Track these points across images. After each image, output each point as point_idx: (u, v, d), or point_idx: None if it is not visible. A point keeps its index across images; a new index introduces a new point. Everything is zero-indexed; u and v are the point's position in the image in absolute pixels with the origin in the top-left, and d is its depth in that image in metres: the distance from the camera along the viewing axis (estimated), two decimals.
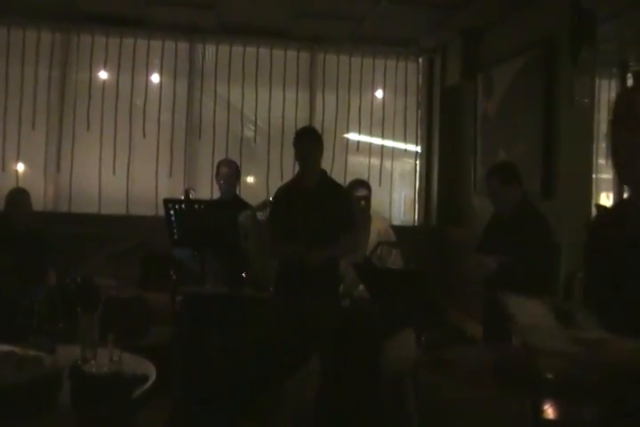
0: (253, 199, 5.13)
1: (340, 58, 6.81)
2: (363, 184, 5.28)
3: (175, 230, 4.15)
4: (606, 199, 5.27)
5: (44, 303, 3.02)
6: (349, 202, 4.54)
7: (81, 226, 5.90)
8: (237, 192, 5.33)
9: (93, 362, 2.33)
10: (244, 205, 4.90)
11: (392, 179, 6.96)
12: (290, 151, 5.68)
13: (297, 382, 3.82)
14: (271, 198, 4.66)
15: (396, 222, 6.55)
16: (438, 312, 3.45)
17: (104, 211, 6.38)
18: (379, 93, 6.95)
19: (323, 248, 4.17)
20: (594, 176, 4.83)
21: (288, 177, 5.54)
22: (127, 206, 6.43)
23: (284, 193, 4.48)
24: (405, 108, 6.92)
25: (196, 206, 4.23)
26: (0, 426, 1.95)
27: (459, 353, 1.95)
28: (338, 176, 5.66)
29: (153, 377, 2.34)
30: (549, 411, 1.61)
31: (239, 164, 5.63)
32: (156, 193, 6.35)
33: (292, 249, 4.18)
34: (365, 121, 6.85)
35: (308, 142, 4.31)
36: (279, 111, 6.69)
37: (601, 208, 2.01)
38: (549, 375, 1.68)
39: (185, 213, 4.13)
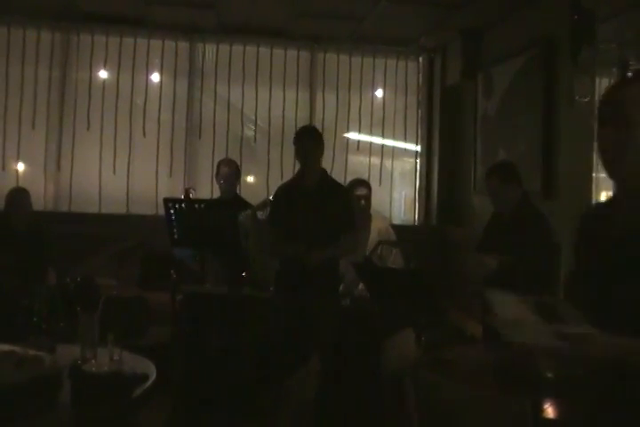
0: (254, 199, 5.14)
1: (340, 57, 6.81)
2: (363, 183, 5.28)
3: (175, 230, 4.15)
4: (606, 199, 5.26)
5: (43, 303, 3.02)
6: (350, 201, 4.55)
7: (81, 225, 5.89)
8: (237, 192, 5.33)
9: (93, 361, 2.33)
10: (244, 204, 4.90)
11: (392, 178, 6.96)
12: (290, 151, 5.68)
13: (297, 382, 3.82)
14: (271, 198, 4.67)
15: (396, 222, 6.56)
16: (438, 312, 3.44)
17: (104, 210, 6.38)
18: (379, 93, 6.95)
19: (323, 248, 4.17)
20: (594, 176, 4.82)
21: (288, 176, 5.54)
22: (127, 206, 6.43)
23: (284, 192, 4.48)
24: (405, 107, 6.92)
25: (197, 206, 4.23)
26: (0, 426, 1.95)
27: (459, 353, 1.95)
28: (338, 175, 5.66)
29: (153, 377, 2.34)
30: (549, 410, 1.61)
31: (239, 163, 5.64)
32: (157, 192, 6.35)
33: (292, 249, 4.18)
34: (365, 120, 6.85)
35: (309, 141, 4.31)
36: (279, 111, 6.69)
37: (591, 205, 2.02)
38: (548, 374, 1.68)
39: (185, 213, 4.13)
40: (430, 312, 3.40)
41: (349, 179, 5.69)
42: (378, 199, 6.22)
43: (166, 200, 4.23)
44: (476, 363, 1.85)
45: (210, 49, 6.64)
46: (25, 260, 4.78)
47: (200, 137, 6.59)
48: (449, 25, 5.96)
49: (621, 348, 1.60)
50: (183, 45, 6.58)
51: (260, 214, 4.67)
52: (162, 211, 4.26)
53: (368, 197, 5.17)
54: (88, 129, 6.39)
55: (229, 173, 5.14)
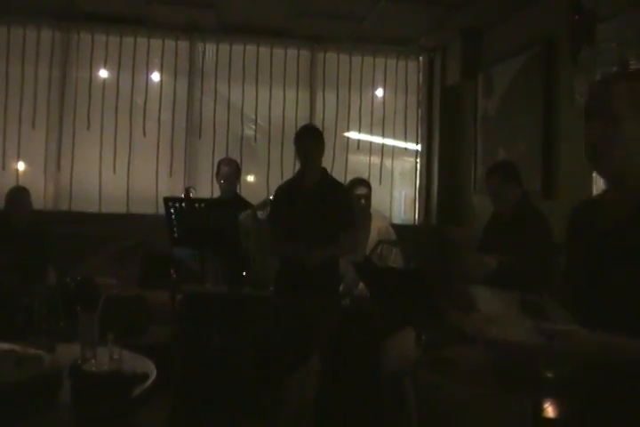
0: (254, 198, 5.14)
1: (341, 57, 6.81)
2: (363, 183, 5.28)
3: (175, 229, 4.15)
4: None
5: (43, 302, 3.01)
6: (350, 200, 4.54)
7: (81, 225, 5.89)
8: (238, 191, 5.34)
9: (93, 361, 2.33)
10: (244, 203, 4.90)
11: (392, 178, 6.97)
12: (290, 150, 5.69)
13: (297, 382, 3.82)
14: (271, 197, 4.67)
15: (396, 221, 6.56)
16: (438, 312, 3.44)
17: (104, 209, 6.38)
18: (379, 92, 6.95)
19: (323, 247, 4.17)
20: (594, 176, 4.82)
21: (288, 176, 5.54)
22: (127, 205, 6.43)
23: (284, 192, 4.48)
24: (406, 106, 6.92)
25: (197, 205, 4.23)
26: (0, 425, 1.95)
27: (459, 353, 1.95)
28: (338, 175, 5.66)
29: (153, 376, 2.34)
30: (549, 409, 1.62)
31: (239, 163, 5.64)
32: (157, 192, 6.35)
33: (292, 248, 4.18)
34: (366, 120, 6.85)
35: (310, 140, 4.30)
36: (279, 110, 6.69)
37: (581, 201, 2.01)
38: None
39: (185, 212, 4.13)
40: (430, 312, 3.39)
41: (349, 178, 5.69)
42: (378, 199, 6.22)
43: (166, 200, 4.23)
44: (475, 363, 1.85)
45: (210, 48, 6.64)
46: (25, 259, 4.78)
47: (200, 136, 6.59)
48: (449, 25, 5.96)
49: (606, 345, 1.60)
50: (183, 45, 6.58)
51: (261, 214, 4.67)
52: (162, 210, 4.26)
53: (368, 197, 5.17)
54: (88, 128, 6.39)
55: (229, 172, 5.14)
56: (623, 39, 4.15)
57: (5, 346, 2.21)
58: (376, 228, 5.13)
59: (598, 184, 4.90)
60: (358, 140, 6.88)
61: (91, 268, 4.84)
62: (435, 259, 6.09)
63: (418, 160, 6.98)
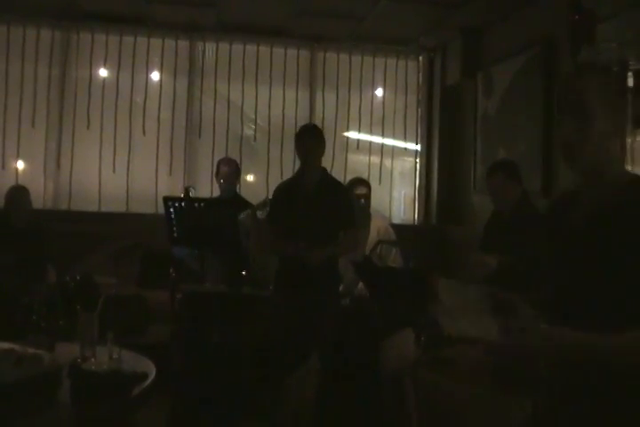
0: (253, 198, 5.14)
1: (340, 56, 6.80)
2: (362, 182, 5.28)
3: (175, 228, 4.15)
4: None
5: (43, 301, 3.01)
6: (350, 200, 4.54)
7: (81, 224, 5.89)
8: (237, 191, 5.33)
9: (93, 360, 2.33)
10: (244, 203, 4.90)
11: (392, 177, 6.96)
12: (290, 149, 5.69)
13: (297, 381, 3.82)
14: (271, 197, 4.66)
15: (395, 221, 6.56)
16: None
17: (104, 209, 6.38)
18: (379, 92, 6.94)
19: (323, 246, 4.16)
20: None
21: (288, 175, 5.53)
22: (127, 204, 6.42)
23: (284, 191, 4.47)
24: (405, 106, 6.91)
25: (196, 204, 4.23)
26: (0, 424, 1.95)
27: (459, 353, 1.95)
28: (338, 174, 5.65)
29: (152, 375, 2.34)
30: None
31: (239, 162, 5.64)
32: (156, 191, 6.35)
33: (292, 247, 4.17)
34: (365, 119, 6.84)
35: (310, 140, 4.30)
36: (279, 109, 6.69)
37: (558, 195, 2.00)
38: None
39: (185, 212, 4.13)
40: (430, 312, 3.39)
41: (349, 178, 5.70)
42: (377, 198, 6.22)
43: (166, 199, 4.23)
44: (475, 363, 1.85)
45: (210, 47, 6.63)
46: (24, 258, 4.78)
47: (200, 136, 6.59)
48: (449, 24, 5.96)
49: (576, 343, 1.59)
50: (183, 44, 6.57)
51: (260, 214, 4.67)
52: (161, 209, 4.26)
53: (368, 197, 5.17)
54: (88, 127, 6.39)
55: (229, 172, 5.14)
56: (623, 39, 4.15)
57: (5, 345, 2.21)
58: (376, 227, 5.13)
59: None
60: (358, 140, 6.87)
61: (90, 267, 4.84)
62: (434, 259, 6.09)
63: (417, 160, 6.98)
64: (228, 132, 6.63)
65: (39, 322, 2.92)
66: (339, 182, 4.62)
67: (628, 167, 4.34)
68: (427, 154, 6.92)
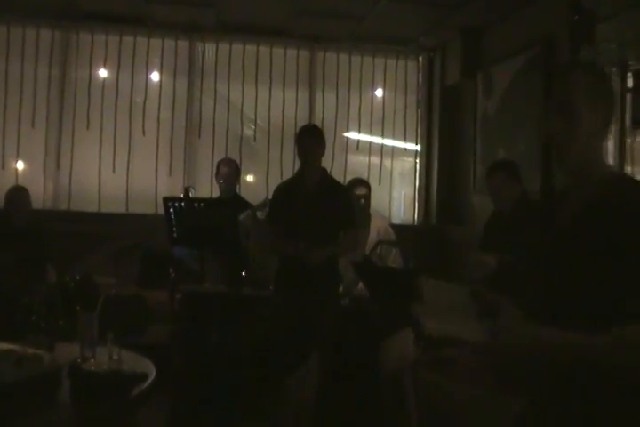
0: (253, 198, 5.13)
1: (340, 56, 6.81)
2: (362, 183, 5.28)
3: (175, 229, 4.15)
4: None
5: (43, 301, 3.02)
6: (350, 200, 4.54)
7: (80, 224, 5.90)
8: (237, 191, 5.33)
9: (92, 360, 2.33)
10: (244, 203, 4.89)
11: (392, 178, 6.96)
12: (290, 150, 5.69)
13: (297, 381, 3.82)
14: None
15: (395, 221, 6.56)
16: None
17: (103, 209, 6.38)
18: (378, 92, 6.94)
19: (323, 246, 4.16)
20: None
21: (288, 175, 5.53)
22: (127, 204, 6.42)
23: (284, 191, 4.47)
24: (405, 106, 6.92)
25: (196, 205, 4.23)
26: (0, 424, 1.95)
27: (458, 353, 1.95)
28: (338, 175, 5.66)
29: (152, 375, 2.34)
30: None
31: (239, 162, 5.63)
32: (156, 191, 6.35)
33: (292, 247, 4.17)
34: (365, 120, 6.84)
35: (310, 139, 4.30)
36: (279, 110, 6.69)
37: (547, 193, 2.01)
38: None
39: (185, 212, 4.12)
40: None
41: (349, 178, 5.69)
42: (377, 199, 6.22)
43: (166, 199, 4.23)
44: (475, 363, 1.85)
45: (209, 48, 6.63)
46: (24, 258, 4.78)
47: (200, 136, 6.59)
48: (449, 24, 5.96)
49: (552, 341, 1.59)
50: (183, 44, 6.57)
51: (260, 214, 4.67)
52: (161, 210, 4.25)
53: (367, 197, 5.17)
54: (87, 128, 6.39)
55: (229, 172, 5.13)
56: (623, 39, 4.15)
57: (5, 346, 2.21)
58: (375, 228, 5.13)
59: None
60: (358, 141, 6.87)
61: (90, 267, 4.84)
62: (434, 259, 6.09)
63: (417, 160, 6.98)
64: (227, 132, 6.63)
65: (39, 322, 2.92)
66: (339, 183, 4.62)
67: (628, 167, 4.34)
68: (426, 154, 6.92)
